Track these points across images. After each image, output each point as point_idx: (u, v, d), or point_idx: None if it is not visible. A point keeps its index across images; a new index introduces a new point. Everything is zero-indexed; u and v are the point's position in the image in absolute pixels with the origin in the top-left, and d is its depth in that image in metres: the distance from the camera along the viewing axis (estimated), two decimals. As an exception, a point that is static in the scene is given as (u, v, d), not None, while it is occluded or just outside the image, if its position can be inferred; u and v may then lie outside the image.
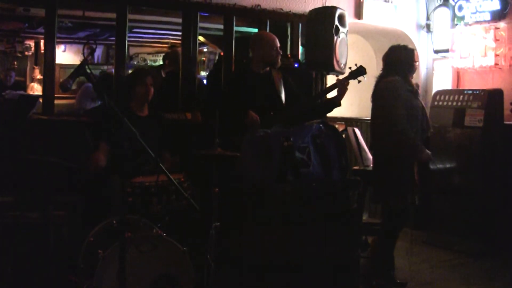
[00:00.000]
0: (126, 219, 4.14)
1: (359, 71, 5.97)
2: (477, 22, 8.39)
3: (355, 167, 6.92)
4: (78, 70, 3.82)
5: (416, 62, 6.01)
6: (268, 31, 7.58)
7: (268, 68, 6.08)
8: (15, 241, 5.07)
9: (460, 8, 8.64)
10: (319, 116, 6.09)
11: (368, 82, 6.05)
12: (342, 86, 5.92)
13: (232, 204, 5.27)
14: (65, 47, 14.42)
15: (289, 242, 4.92)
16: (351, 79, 5.98)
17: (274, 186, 5.04)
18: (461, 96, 7.80)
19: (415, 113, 5.83)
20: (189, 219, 5.07)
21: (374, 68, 8.06)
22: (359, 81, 5.99)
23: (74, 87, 10.92)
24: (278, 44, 6.07)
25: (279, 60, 6.10)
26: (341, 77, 6.14)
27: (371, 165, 6.35)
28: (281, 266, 4.87)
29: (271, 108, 5.86)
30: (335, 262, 5.07)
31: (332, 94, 6.10)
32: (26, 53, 14.32)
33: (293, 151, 5.08)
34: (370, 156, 6.70)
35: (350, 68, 6.08)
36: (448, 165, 7.79)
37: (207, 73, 9.80)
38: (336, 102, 6.01)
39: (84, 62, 3.86)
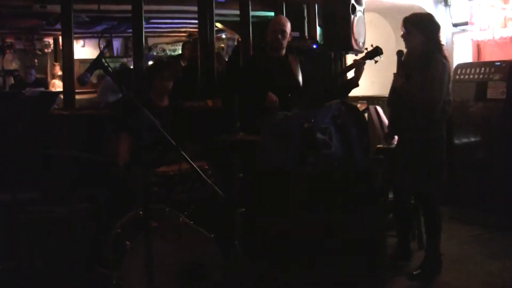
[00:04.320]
0: (151, 209, 4.15)
1: (375, 52, 5.93)
2: (495, -7, 8.30)
3: (379, 146, 6.89)
4: (94, 64, 3.83)
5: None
6: (284, 13, 7.56)
7: (284, 52, 6.06)
8: (43, 236, 5.13)
9: (478, -20, 8.55)
10: (338, 97, 6.06)
11: (388, 60, 5.99)
12: (359, 67, 5.90)
13: (256, 189, 5.28)
14: (84, 42, 14.48)
15: (314, 225, 4.92)
16: (367, 59, 5.95)
17: (296, 168, 5.02)
18: (482, 69, 7.72)
19: None
20: (214, 206, 5.08)
21: (393, 45, 7.97)
22: (376, 61, 5.95)
23: (94, 81, 11.03)
24: (284, 28, 5.98)
25: (283, 44, 6.03)
26: (357, 58, 6.11)
27: (394, 143, 6.29)
28: (307, 249, 4.87)
29: (289, 91, 5.84)
30: (361, 243, 5.06)
31: (350, 75, 6.08)
32: (46, 50, 14.40)
33: (314, 133, 5.07)
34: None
35: (367, 48, 6.05)
36: (472, 139, 7.73)
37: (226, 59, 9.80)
38: (354, 83, 6.00)
39: (100, 55, 3.87)
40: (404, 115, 5.64)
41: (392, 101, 5.79)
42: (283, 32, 5.99)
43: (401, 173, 5.74)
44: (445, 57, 5.64)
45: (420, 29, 5.60)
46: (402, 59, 5.71)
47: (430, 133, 5.62)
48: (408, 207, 6.02)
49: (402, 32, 5.73)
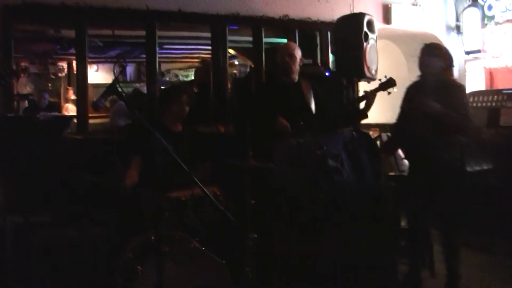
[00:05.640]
0: (163, 233, 4.15)
1: (389, 83, 5.91)
2: (507, 21, 8.31)
3: (390, 173, 6.87)
4: (109, 89, 3.86)
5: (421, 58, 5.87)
6: (297, 40, 7.60)
7: (296, 77, 6.07)
8: (54, 259, 5.14)
9: (490, 7, 8.58)
10: (347, 125, 6.06)
11: (400, 88, 5.99)
12: (370, 98, 5.90)
13: (268, 214, 5.28)
14: (97, 66, 14.53)
15: (325, 249, 4.91)
16: (380, 90, 5.93)
17: (308, 193, 5.03)
18: (495, 96, 7.74)
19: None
20: (226, 232, 5.07)
21: (406, 72, 8.00)
22: (389, 93, 5.94)
23: (108, 105, 11.07)
24: (292, 51, 6.00)
25: (293, 67, 6.02)
26: (370, 89, 6.11)
27: (407, 171, 6.27)
28: (318, 273, 4.86)
29: (301, 117, 5.84)
30: (371, 268, 5.04)
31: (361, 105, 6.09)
32: (59, 74, 14.46)
33: (325, 159, 5.08)
34: (405, 162, 6.61)
35: (381, 79, 6.05)
36: (484, 166, 7.71)
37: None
38: (364, 114, 5.99)
39: (115, 81, 3.89)
40: (438, 138, 5.63)
41: (419, 125, 5.75)
42: (291, 55, 5.99)
43: (426, 195, 5.70)
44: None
45: (442, 55, 5.76)
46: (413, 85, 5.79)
47: (462, 152, 5.71)
48: (424, 233, 6.00)
49: (419, 57, 5.80)
